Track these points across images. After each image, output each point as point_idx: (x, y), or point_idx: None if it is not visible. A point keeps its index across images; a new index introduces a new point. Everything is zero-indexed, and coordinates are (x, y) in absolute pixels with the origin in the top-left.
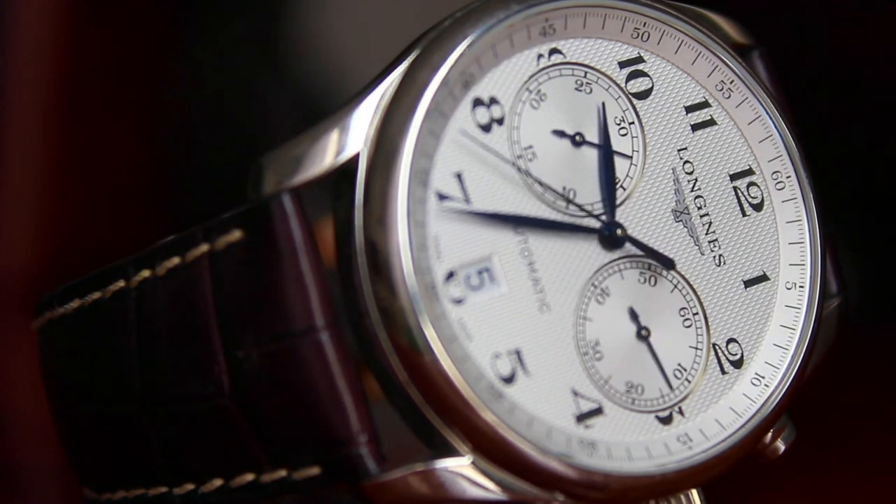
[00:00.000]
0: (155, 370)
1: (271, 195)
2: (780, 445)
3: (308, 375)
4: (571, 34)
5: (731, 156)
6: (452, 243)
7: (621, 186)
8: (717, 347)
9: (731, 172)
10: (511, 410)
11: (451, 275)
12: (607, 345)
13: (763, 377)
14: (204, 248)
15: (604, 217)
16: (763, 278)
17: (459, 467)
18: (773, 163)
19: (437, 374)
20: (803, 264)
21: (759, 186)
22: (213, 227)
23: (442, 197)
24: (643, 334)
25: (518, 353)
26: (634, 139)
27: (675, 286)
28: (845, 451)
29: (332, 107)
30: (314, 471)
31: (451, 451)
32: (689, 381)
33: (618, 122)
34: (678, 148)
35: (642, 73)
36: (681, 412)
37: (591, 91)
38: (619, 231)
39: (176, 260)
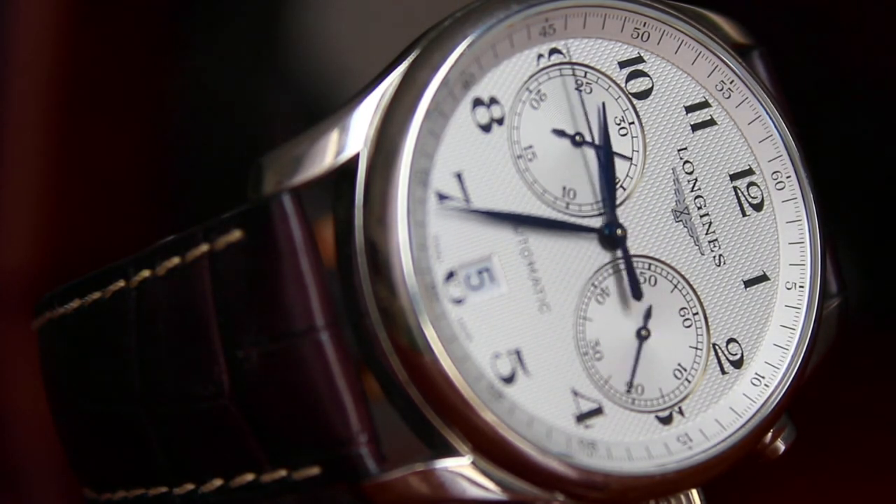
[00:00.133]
0: (155, 370)
1: (271, 195)
2: (780, 445)
3: (308, 375)
4: (571, 34)
5: (731, 156)
6: (452, 243)
7: (621, 186)
8: (717, 347)
9: (731, 172)
10: (511, 410)
11: (451, 275)
12: (607, 345)
13: (763, 377)
14: (204, 248)
15: (604, 217)
16: (763, 278)
17: (459, 467)
18: (773, 163)
19: (437, 374)
20: (803, 264)
21: (759, 186)
22: (213, 227)
23: (442, 197)
24: (643, 334)
25: (518, 353)
26: (634, 139)
27: (675, 286)
28: (845, 451)
29: (332, 107)
30: (314, 471)
31: (451, 451)
32: (689, 381)
33: (618, 122)
34: (678, 148)
35: (642, 73)
36: (681, 412)
37: (591, 91)
38: (619, 231)
39: (176, 260)
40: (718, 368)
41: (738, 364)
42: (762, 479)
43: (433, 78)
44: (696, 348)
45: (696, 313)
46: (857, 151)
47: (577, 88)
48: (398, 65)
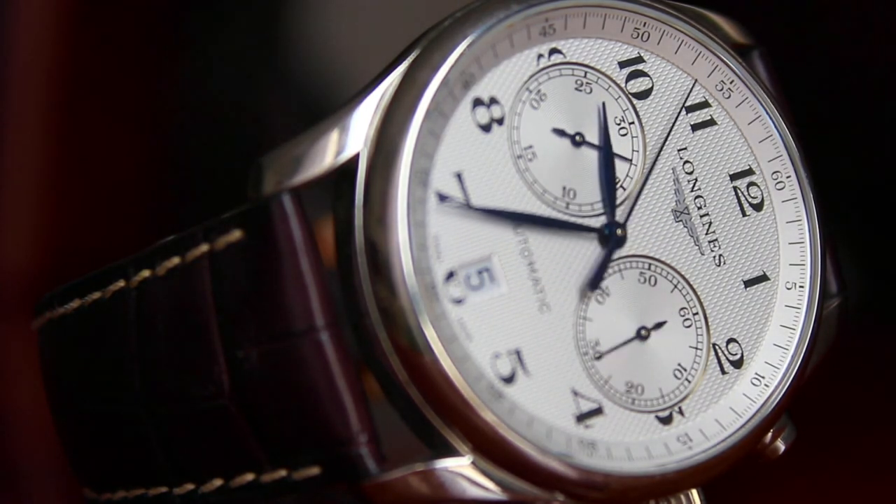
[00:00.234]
0: (155, 370)
1: (271, 195)
2: (780, 445)
3: (308, 375)
4: (571, 34)
5: (731, 156)
6: (452, 243)
7: (621, 186)
8: (717, 347)
9: (731, 172)
10: (511, 410)
11: (451, 275)
12: (607, 345)
13: (763, 377)
14: (204, 248)
15: (604, 217)
16: (763, 278)
17: (459, 467)
18: (773, 163)
19: (437, 374)
20: (803, 264)
21: (759, 186)
22: (213, 227)
23: (442, 197)
24: (643, 334)
25: (518, 353)
26: (634, 139)
27: (675, 286)
28: (845, 451)
29: (332, 107)
30: (314, 471)
31: (451, 451)
32: (689, 381)
33: (618, 121)
34: (678, 148)
35: (642, 73)
36: (681, 412)
37: (591, 91)
38: (619, 231)
39: (176, 260)
40: (718, 368)
41: (738, 364)
42: (762, 479)
43: (433, 78)
44: (696, 348)
45: (696, 313)
46: (857, 151)
47: (577, 88)
48: (398, 65)
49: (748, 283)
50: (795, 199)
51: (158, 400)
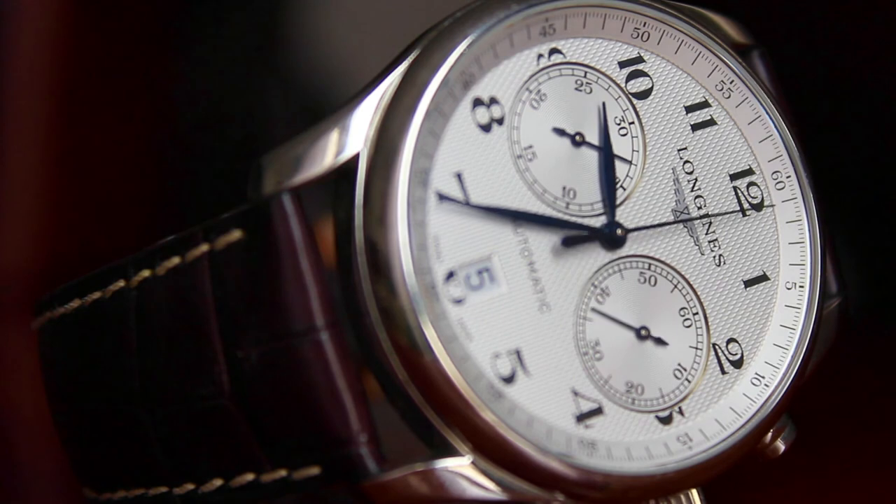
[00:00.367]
0: (155, 370)
1: (271, 195)
2: (780, 445)
3: (308, 375)
4: (571, 34)
5: (731, 156)
6: (452, 243)
7: (621, 186)
8: (717, 347)
9: (731, 172)
10: (511, 410)
11: (451, 275)
12: (607, 345)
13: (763, 377)
14: (204, 248)
15: (604, 217)
16: (763, 278)
17: (459, 467)
18: (773, 163)
19: (437, 373)
20: (803, 264)
21: (759, 186)
22: (213, 227)
23: (442, 197)
24: (643, 334)
25: (518, 352)
26: (634, 139)
27: (675, 286)
28: (845, 451)
29: (332, 107)
30: (314, 471)
31: (451, 451)
32: (689, 381)
33: (618, 121)
34: (678, 148)
35: (642, 73)
36: (681, 412)
37: (591, 91)
38: (619, 231)
39: (176, 260)
40: (718, 368)
41: (738, 364)
42: (762, 479)
43: (433, 78)
44: (696, 348)
45: (696, 313)
46: (858, 151)
47: (577, 88)
48: (398, 65)
49: (748, 283)
50: (795, 199)
51: (158, 400)
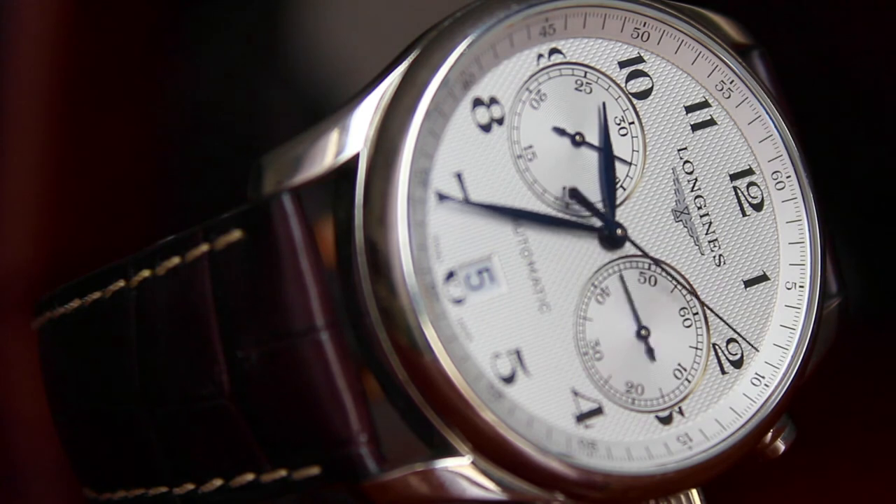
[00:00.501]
0: (155, 370)
1: (271, 195)
2: (780, 445)
3: (308, 375)
4: (571, 34)
5: (731, 156)
6: (452, 243)
7: (621, 186)
8: (716, 347)
9: (731, 172)
10: (511, 410)
11: (451, 275)
12: (607, 345)
13: (763, 377)
14: (204, 248)
15: (604, 217)
16: (763, 278)
17: (459, 467)
18: (773, 163)
19: (437, 373)
20: (803, 264)
21: (759, 186)
22: (213, 227)
23: (442, 197)
24: (643, 334)
25: (518, 352)
26: (634, 139)
27: (675, 286)
28: (845, 451)
29: (332, 107)
30: (314, 471)
31: (451, 451)
32: (689, 381)
33: (618, 121)
34: (678, 148)
35: (642, 73)
36: (681, 412)
37: (591, 91)
38: (619, 231)
39: (176, 260)
40: (718, 368)
41: (738, 364)
42: (762, 478)
43: (433, 78)
44: (696, 348)
45: (696, 313)
46: (857, 151)
47: (577, 88)
48: (398, 65)
49: (748, 283)
50: (795, 199)
51: (158, 400)
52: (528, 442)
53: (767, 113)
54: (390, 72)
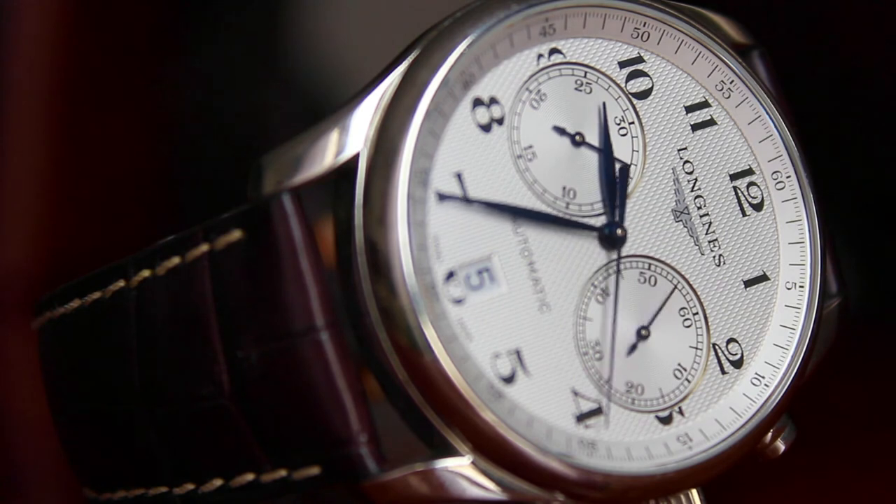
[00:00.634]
0: (155, 370)
1: (271, 195)
2: (780, 445)
3: (308, 375)
4: (571, 34)
5: (731, 156)
6: (452, 243)
7: None
8: (717, 347)
9: (731, 172)
10: (511, 410)
11: (451, 275)
12: (607, 345)
13: (763, 377)
14: (204, 248)
15: (604, 217)
16: (763, 278)
17: (459, 467)
18: (773, 163)
19: (437, 373)
20: (803, 264)
21: (759, 186)
22: (213, 227)
23: (442, 197)
24: (643, 334)
25: (518, 352)
26: (634, 139)
27: (675, 286)
28: (845, 451)
29: (332, 107)
30: (314, 471)
31: (451, 451)
32: (689, 381)
33: (618, 121)
34: (678, 148)
35: (642, 73)
36: (681, 412)
37: (591, 91)
38: (619, 231)
39: (176, 260)
40: (718, 368)
41: (738, 364)
42: (762, 478)
43: (433, 78)
44: (696, 348)
45: (696, 313)
46: (858, 151)
47: (577, 88)
48: (398, 65)
49: (748, 283)
50: (795, 199)
51: (158, 400)
52: (528, 442)
53: (767, 113)
54: (390, 72)
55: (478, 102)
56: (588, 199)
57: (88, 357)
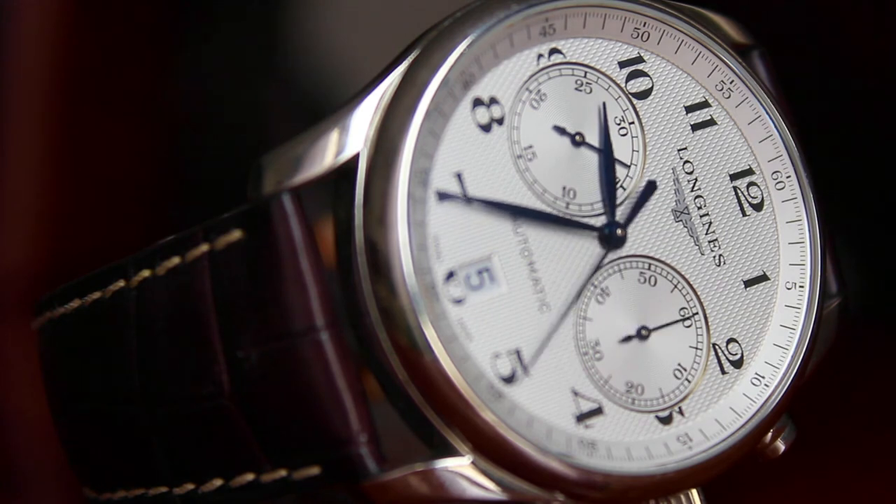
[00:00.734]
0: (155, 370)
1: (271, 195)
2: (780, 445)
3: (308, 375)
4: (571, 34)
5: (731, 156)
6: (452, 243)
7: (621, 186)
8: (717, 347)
9: (731, 172)
10: (511, 410)
11: (451, 275)
12: (607, 345)
13: (763, 377)
14: (204, 247)
15: (604, 217)
16: (763, 278)
17: (459, 467)
18: (773, 163)
19: (437, 373)
20: (803, 264)
21: (759, 186)
22: (213, 227)
23: (442, 197)
24: (643, 334)
25: (518, 352)
26: (634, 139)
27: (675, 286)
28: (845, 451)
29: (332, 107)
30: (314, 471)
31: (451, 451)
32: (689, 381)
33: (618, 121)
34: (678, 148)
35: (642, 73)
36: (681, 412)
37: (591, 91)
38: (619, 231)
39: (176, 260)
40: (718, 368)
41: (738, 364)
42: (762, 478)
43: (433, 78)
44: (696, 348)
45: (696, 313)
46: (858, 151)
47: (577, 88)
48: (398, 65)
49: (748, 283)
50: (795, 199)
51: (158, 400)
52: (528, 442)
53: (767, 113)
54: (390, 72)
55: (478, 102)
56: (588, 199)
57: (88, 357)
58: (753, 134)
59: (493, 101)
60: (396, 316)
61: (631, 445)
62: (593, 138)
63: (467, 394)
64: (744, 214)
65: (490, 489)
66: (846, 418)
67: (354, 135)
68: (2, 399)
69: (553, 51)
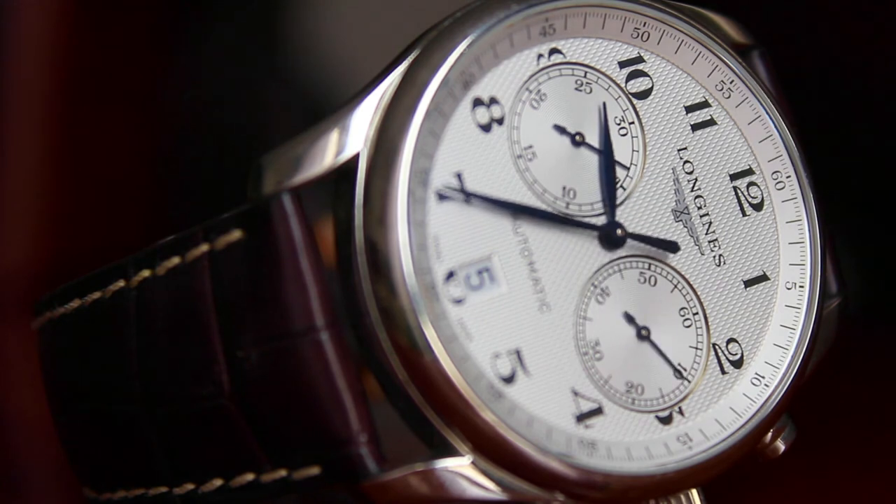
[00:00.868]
0: (155, 370)
1: (271, 195)
2: (780, 445)
3: (308, 375)
4: (571, 34)
5: (731, 156)
6: (452, 243)
7: (621, 186)
8: (717, 347)
9: (731, 172)
10: (511, 410)
11: (451, 275)
12: (607, 345)
13: (763, 377)
14: (204, 247)
15: (604, 217)
16: (763, 278)
17: (459, 467)
18: (773, 163)
19: (437, 373)
20: (803, 264)
21: (759, 186)
22: (213, 226)
23: (442, 197)
24: (643, 334)
25: (518, 352)
26: (634, 139)
27: (675, 286)
28: (845, 451)
29: (332, 107)
30: (314, 471)
31: (451, 451)
32: (689, 381)
33: (618, 121)
34: (678, 148)
35: (642, 73)
36: (681, 412)
37: (591, 91)
38: (619, 231)
39: (176, 260)
40: (718, 368)
41: (738, 364)
42: (762, 479)
43: (433, 78)
44: (696, 348)
45: (696, 313)
46: (857, 151)
47: (577, 88)
48: (398, 65)
49: (748, 283)
50: (795, 199)
51: (158, 400)
52: (528, 442)
53: (767, 113)
54: (390, 72)
55: (478, 102)
56: (588, 199)
57: (88, 357)
58: (753, 134)
59: (493, 101)
60: (396, 316)
61: (631, 445)
62: (593, 138)
63: (467, 394)
64: (744, 214)
65: (490, 489)
66: (846, 418)
67: (354, 135)
68: (2, 399)
69: (553, 51)
